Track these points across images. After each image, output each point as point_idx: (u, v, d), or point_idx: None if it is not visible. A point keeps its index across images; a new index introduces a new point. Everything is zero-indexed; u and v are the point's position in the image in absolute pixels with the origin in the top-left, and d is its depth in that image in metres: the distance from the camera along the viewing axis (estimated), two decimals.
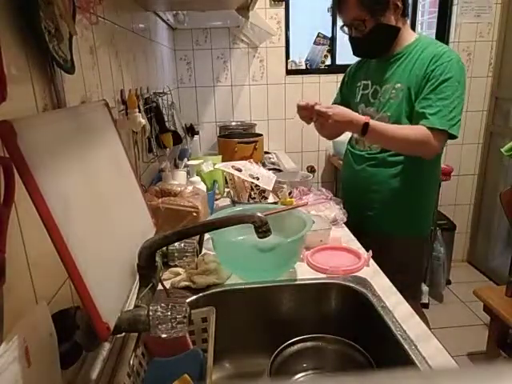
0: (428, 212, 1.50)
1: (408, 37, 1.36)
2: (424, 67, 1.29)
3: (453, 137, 1.27)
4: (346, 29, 1.38)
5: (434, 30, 2.67)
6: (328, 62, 2.67)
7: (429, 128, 1.24)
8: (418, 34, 1.41)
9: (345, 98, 1.56)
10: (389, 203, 1.42)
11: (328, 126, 1.26)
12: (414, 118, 1.30)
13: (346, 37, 1.42)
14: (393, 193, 1.41)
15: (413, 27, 2.62)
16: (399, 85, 1.33)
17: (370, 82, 1.44)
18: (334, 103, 1.57)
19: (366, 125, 1.25)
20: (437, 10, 2.62)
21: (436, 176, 1.50)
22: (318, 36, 2.62)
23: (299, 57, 2.64)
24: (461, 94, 1.28)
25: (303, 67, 2.66)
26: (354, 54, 1.44)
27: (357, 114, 1.30)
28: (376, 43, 1.36)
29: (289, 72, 2.61)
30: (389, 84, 1.36)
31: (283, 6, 2.47)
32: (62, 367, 0.54)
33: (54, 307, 0.56)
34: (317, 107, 1.25)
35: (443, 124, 1.24)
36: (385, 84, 1.38)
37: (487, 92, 2.71)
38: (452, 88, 1.26)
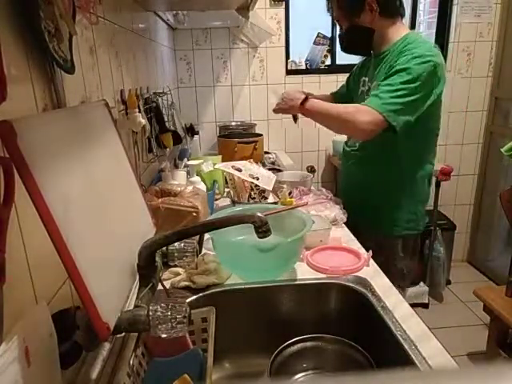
0: (405, 213, 1.45)
1: (395, 35, 1.37)
2: (392, 61, 1.30)
3: (391, 127, 1.22)
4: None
5: (434, 30, 2.67)
6: (328, 61, 2.67)
7: (365, 105, 1.25)
8: (411, 32, 1.40)
9: (350, 91, 1.60)
10: (366, 201, 1.46)
11: (283, 101, 1.41)
12: None
13: None
14: (369, 191, 1.45)
15: (413, 27, 2.62)
16: (379, 82, 1.36)
17: (367, 79, 1.48)
18: (338, 92, 1.69)
19: (306, 98, 1.34)
20: (437, 9, 2.62)
21: (421, 177, 1.44)
22: (317, 36, 2.62)
23: (299, 57, 2.64)
24: (413, 88, 1.22)
25: (303, 67, 2.65)
26: (341, 50, 1.52)
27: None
28: (353, 42, 1.44)
29: (289, 72, 2.61)
30: (376, 81, 1.39)
31: (283, 6, 2.47)
32: (62, 367, 0.54)
33: (54, 307, 0.56)
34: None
35: (378, 105, 1.22)
36: (374, 81, 1.40)
37: (487, 92, 2.71)
38: (402, 78, 1.23)
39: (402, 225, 1.45)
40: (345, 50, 1.51)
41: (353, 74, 1.61)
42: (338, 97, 1.67)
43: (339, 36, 1.48)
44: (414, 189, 1.44)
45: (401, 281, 1.51)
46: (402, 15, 1.40)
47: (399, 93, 1.22)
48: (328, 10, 1.47)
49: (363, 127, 1.24)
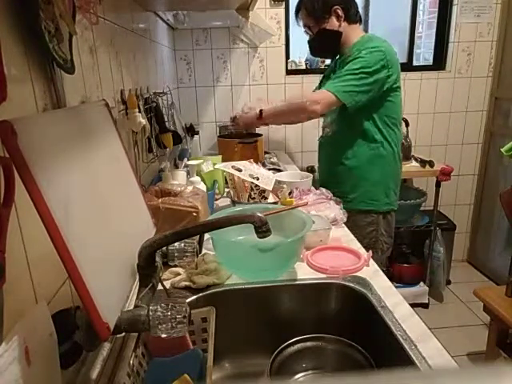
0: (381, 189, 1.63)
1: (356, 37, 1.57)
2: (351, 57, 1.51)
3: (344, 104, 1.46)
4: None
5: (434, 30, 2.67)
6: (328, 61, 2.67)
7: (321, 89, 1.50)
8: (368, 33, 1.64)
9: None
10: (344, 182, 1.65)
11: (243, 126, 1.81)
12: None
13: None
14: (345, 171, 1.64)
15: (413, 27, 2.62)
16: None
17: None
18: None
19: (260, 111, 1.65)
20: (437, 9, 2.62)
21: (390, 155, 1.61)
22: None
23: (299, 57, 2.64)
24: (364, 73, 1.44)
25: (303, 67, 2.65)
26: (311, 54, 1.77)
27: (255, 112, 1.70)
28: (322, 45, 1.64)
29: (289, 72, 2.61)
30: None
31: (283, 6, 2.47)
32: (62, 367, 0.54)
33: (54, 307, 0.56)
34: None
35: (330, 87, 1.48)
36: None
37: (487, 92, 2.70)
38: (355, 65, 1.46)
39: (380, 200, 1.63)
40: (315, 53, 1.76)
41: (325, 75, 1.81)
42: None
43: (309, 42, 1.67)
44: (383, 167, 1.62)
45: (382, 257, 1.69)
46: (361, 21, 1.63)
47: (348, 77, 1.46)
48: (296, 20, 1.65)
49: (318, 107, 1.49)
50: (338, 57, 1.68)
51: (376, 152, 1.58)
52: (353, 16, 1.57)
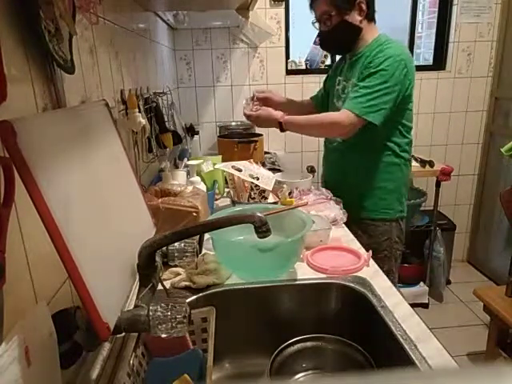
0: (394, 197, 1.56)
1: (370, 37, 1.47)
2: (366, 62, 1.41)
3: (372, 123, 1.37)
4: (316, 25, 1.52)
5: (434, 30, 2.67)
6: (328, 62, 2.67)
7: (346, 110, 1.38)
8: (381, 33, 1.49)
9: (327, 91, 1.71)
10: (355, 188, 1.56)
11: (257, 124, 1.62)
12: None
13: None
14: (355, 177, 1.56)
15: (413, 27, 2.62)
16: (354, 80, 1.45)
17: (341, 79, 1.56)
18: (317, 94, 1.81)
19: (280, 122, 1.50)
20: (437, 9, 2.62)
21: (402, 162, 1.54)
22: (318, 36, 2.62)
23: (299, 57, 2.64)
24: (390, 87, 1.36)
25: (303, 67, 2.66)
26: (322, 47, 1.65)
27: (277, 113, 1.53)
28: (339, 39, 1.50)
29: (289, 72, 2.61)
30: (351, 80, 1.48)
31: (283, 6, 2.47)
32: (62, 367, 0.54)
33: (54, 307, 0.56)
34: (246, 111, 1.57)
35: (357, 108, 1.36)
36: (349, 80, 1.50)
37: (487, 92, 2.71)
38: (379, 79, 1.36)
39: (395, 208, 1.56)
40: (327, 46, 1.63)
41: (328, 75, 1.73)
42: (316, 99, 1.80)
43: (323, 32, 1.51)
44: (396, 174, 1.54)
45: (395, 265, 1.62)
46: (375, 19, 1.53)
47: (375, 94, 1.36)
48: (310, 7, 1.51)
49: (348, 131, 1.40)
50: (346, 56, 1.58)
51: (389, 160, 1.51)
52: (372, 13, 1.47)
